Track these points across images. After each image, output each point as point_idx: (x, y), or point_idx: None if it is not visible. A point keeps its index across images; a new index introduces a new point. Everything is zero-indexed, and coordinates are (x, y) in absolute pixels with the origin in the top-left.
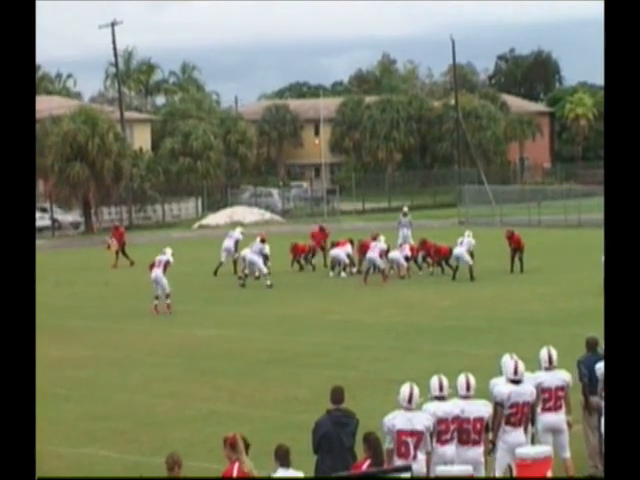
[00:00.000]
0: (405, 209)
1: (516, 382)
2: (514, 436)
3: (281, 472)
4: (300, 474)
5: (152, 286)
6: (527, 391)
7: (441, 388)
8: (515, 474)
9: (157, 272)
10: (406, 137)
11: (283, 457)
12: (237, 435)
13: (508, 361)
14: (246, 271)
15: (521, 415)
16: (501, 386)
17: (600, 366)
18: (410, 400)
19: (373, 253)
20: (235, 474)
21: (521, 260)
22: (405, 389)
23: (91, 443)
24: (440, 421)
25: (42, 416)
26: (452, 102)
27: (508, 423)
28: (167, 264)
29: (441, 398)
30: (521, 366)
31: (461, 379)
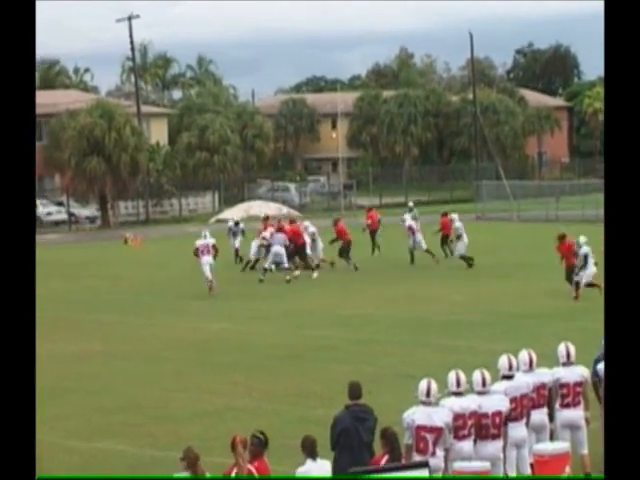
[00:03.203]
0: (410, 204)
1: (510, 377)
2: (517, 431)
3: (309, 463)
4: (327, 464)
5: (202, 270)
6: (522, 384)
7: (458, 384)
8: (533, 470)
9: (208, 259)
10: (423, 132)
11: (310, 448)
12: (237, 438)
13: (503, 358)
14: (267, 265)
15: (521, 409)
16: (496, 385)
17: (601, 367)
18: (428, 394)
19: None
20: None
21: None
22: (423, 384)
23: (105, 437)
24: (457, 416)
25: (55, 410)
26: (470, 96)
27: (509, 418)
28: (215, 249)
29: (458, 394)
30: (514, 361)
31: (476, 375)
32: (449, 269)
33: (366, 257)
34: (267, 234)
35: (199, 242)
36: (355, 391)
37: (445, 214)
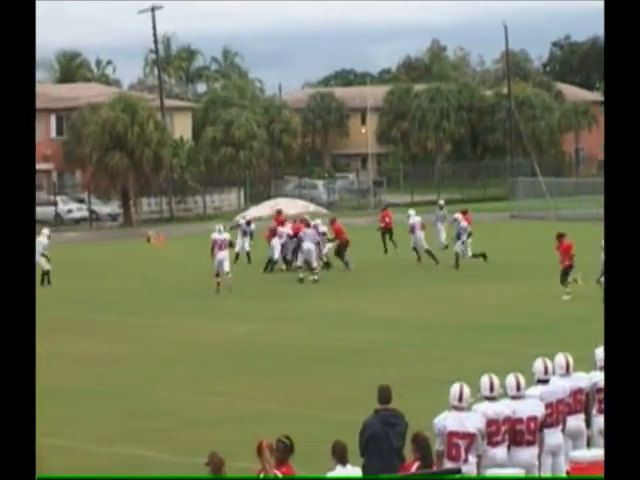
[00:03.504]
0: (441, 202)
1: (545, 382)
2: (553, 437)
3: (339, 469)
4: (357, 471)
5: (215, 266)
6: (559, 389)
7: (492, 388)
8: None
9: (224, 254)
10: (456, 127)
11: (341, 453)
12: (264, 442)
13: (538, 361)
14: (299, 263)
15: (557, 414)
16: (530, 389)
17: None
18: (460, 399)
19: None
20: None
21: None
22: (455, 388)
23: (128, 442)
24: (490, 422)
25: (78, 413)
26: (504, 91)
27: (544, 424)
28: (231, 244)
29: (491, 398)
30: (550, 365)
31: (511, 379)
32: (478, 269)
33: (390, 258)
34: (286, 230)
35: (216, 236)
36: (385, 395)
37: (465, 212)
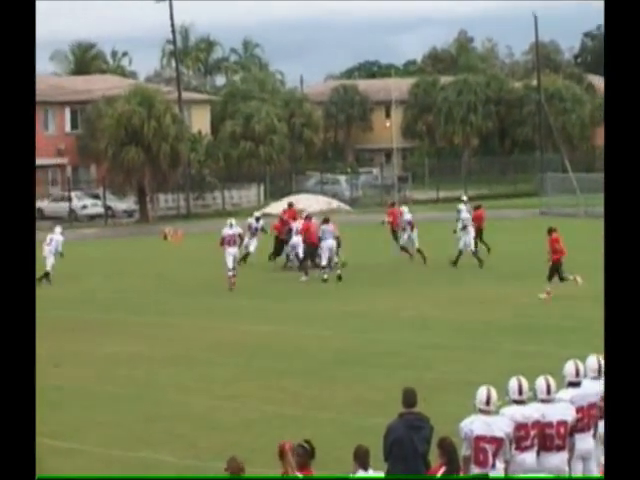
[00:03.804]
0: (464, 198)
1: (576, 385)
2: (584, 442)
3: (361, 473)
4: (381, 475)
5: (225, 261)
6: (590, 392)
7: (520, 391)
8: None
9: (234, 250)
10: (484, 121)
11: (363, 458)
12: (286, 445)
13: (569, 363)
14: (324, 262)
15: (588, 419)
16: (561, 393)
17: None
18: (488, 402)
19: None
20: None
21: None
22: (482, 391)
23: (145, 447)
24: (519, 426)
25: (93, 417)
26: (534, 83)
27: (575, 429)
28: (240, 237)
29: (520, 402)
30: (582, 367)
31: (541, 381)
32: (502, 268)
33: (418, 255)
34: (297, 225)
35: (226, 231)
36: (410, 398)
37: (479, 207)
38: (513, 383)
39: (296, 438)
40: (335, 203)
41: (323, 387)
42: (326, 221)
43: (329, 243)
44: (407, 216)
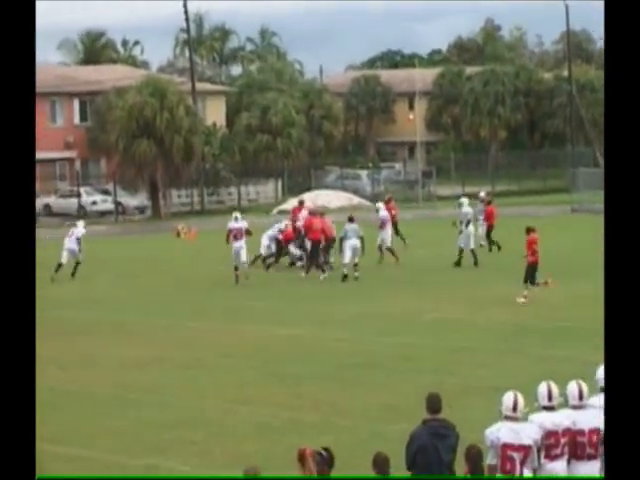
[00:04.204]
0: (482, 194)
1: None
2: None
3: None
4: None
5: (233, 257)
6: None
7: (550, 397)
8: None
9: (240, 244)
10: (512, 113)
11: (382, 465)
12: (307, 450)
13: (602, 368)
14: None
15: None
16: (593, 399)
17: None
18: (515, 409)
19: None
20: None
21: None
22: (509, 397)
23: (157, 454)
24: (549, 434)
25: (105, 423)
26: (565, 73)
27: None
28: (247, 232)
29: (550, 408)
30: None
31: (572, 387)
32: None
33: (441, 254)
34: (300, 221)
35: (232, 224)
36: (434, 404)
37: (489, 202)
38: (542, 388)
39: (314, 445)
40: (356, 199)
41: (341, 392)
42: (351, 220)
43: (352, 242)
44: (382, 213)
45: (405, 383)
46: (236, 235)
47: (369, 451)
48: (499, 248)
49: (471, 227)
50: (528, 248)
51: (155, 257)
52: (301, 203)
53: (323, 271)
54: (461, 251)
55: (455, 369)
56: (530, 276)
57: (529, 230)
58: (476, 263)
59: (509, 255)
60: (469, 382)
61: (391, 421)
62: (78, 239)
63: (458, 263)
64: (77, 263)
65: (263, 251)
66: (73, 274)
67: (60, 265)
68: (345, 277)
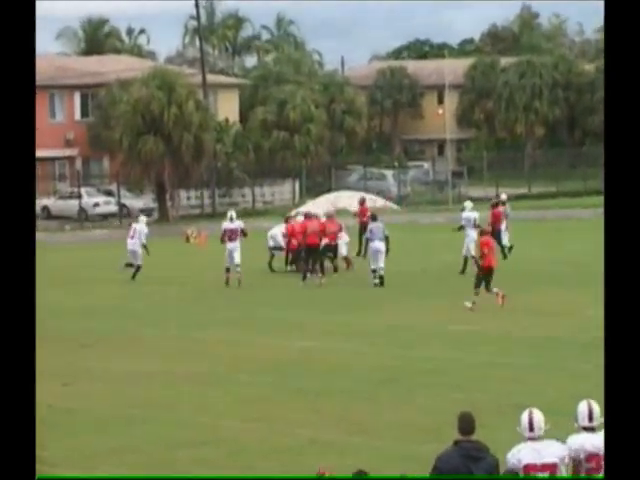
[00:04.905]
0: (503, 197)
1: None
2: None
3: None
4: None
5: (226, 259)
6: None
7: (591, 417)
8: None
9: (235, 245)
10: (550, 108)
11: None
12: (325, 472)
13: None
14: (373, 266)
15: None
16: None
17: None
18: (532, 428)
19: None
20: None
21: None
22: (524, 417)
23: (166, 474)
24: (590, 457)
25: (112, 443)
26: None
27: None
28: (243, 233)
29: (590, 429)
30: None
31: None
32: (558, 275)
33: (453, 261)
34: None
35: (227, 225)
36: (467, 424)
37: (496, 204)
38: (583, 408)
39: (335, 466)
40: (380, 201)
41: (364, 409)
42: (374, 218)
43: (375, 246)
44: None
45: (431, 400)
46: (231, 236)
47: (394, 473)
48: (504, 256)
49: (473, 232)
50: (480, 251)
51: (162, 263)
52: (363, 201)
53: (304, 278)
54: (465, 260)
55: (484, 386)
56: (481, 281)
57: (482, 232)
58: (463, 271)
59: (540, 262)
60: (498, 399)
61: (418, 441)
62: (140, 239)
63: (463, 271)
64: (138, 267)
65: (271, 242)
66: (134, 277)
67: (138, 267)
68: (381, 282)
